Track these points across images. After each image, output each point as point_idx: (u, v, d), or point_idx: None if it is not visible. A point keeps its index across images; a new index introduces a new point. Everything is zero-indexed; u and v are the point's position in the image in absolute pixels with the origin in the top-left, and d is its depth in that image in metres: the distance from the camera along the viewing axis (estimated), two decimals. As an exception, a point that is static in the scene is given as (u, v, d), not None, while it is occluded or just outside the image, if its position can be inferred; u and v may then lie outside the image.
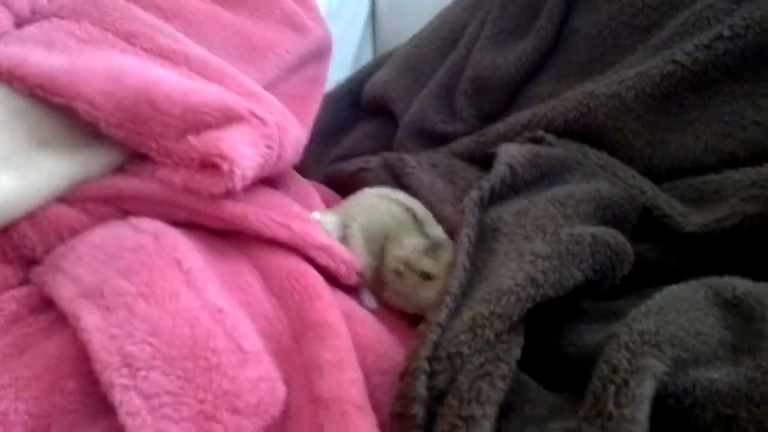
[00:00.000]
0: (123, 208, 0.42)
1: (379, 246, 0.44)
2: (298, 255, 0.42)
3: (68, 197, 0.42)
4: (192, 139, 0.40)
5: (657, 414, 0.29)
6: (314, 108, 0.56)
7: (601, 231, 0.42)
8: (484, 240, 0.42)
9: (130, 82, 0.40)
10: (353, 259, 0.43)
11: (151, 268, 0.36)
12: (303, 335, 0.38)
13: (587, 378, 0.32)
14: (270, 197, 0.44)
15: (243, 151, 0.40)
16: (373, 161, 0.59)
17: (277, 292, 0.40)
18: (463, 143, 0.63)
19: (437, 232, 0.45)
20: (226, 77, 0.44)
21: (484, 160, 0.60)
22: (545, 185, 0.48)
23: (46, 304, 0.38)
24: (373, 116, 0.76)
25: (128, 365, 0.32)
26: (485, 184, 0.45)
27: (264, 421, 0.33)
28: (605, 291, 0.42)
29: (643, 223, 0.48)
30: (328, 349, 0.36)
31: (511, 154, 0.48)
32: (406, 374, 0.33)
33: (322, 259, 0.42)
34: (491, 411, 0.30)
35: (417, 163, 0.57)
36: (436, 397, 0.32)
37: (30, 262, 0.41)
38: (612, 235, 0.42)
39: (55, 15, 0.45)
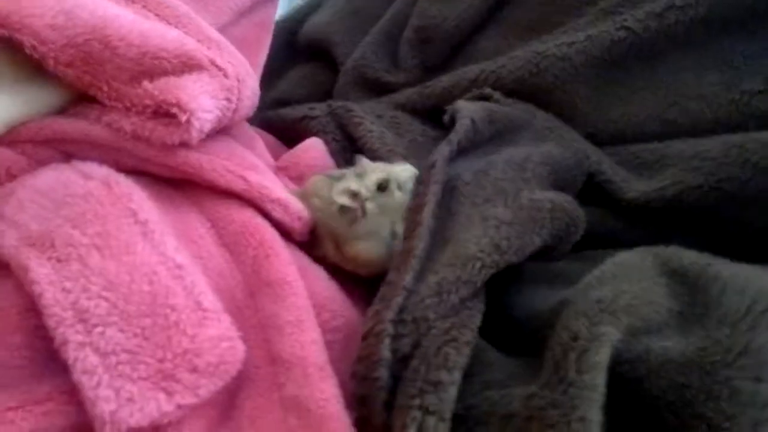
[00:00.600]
0: (65, 150, 0.40)
1: None
2: (253, 208, 0.41)
3: (5, 138, 0.39)
4: (148, 85, 0.38)
5: (611, 381, 0.31)
6: (264, 55, 0.54)
7: (558, 197, 0.43)
8: (442, 199, 0.42)
9: (84, 18, 0.37)
10: (307, 214, 0.42)
11: (105, 218, 0.34)
12: (259, 291, 0.37)
13: (542, 343, 0.33)
14: (224, 146, 0.42)
15: (202, 103, 0.38)
16: (319, 108, 0.58)
17: (230, 246, 0.39)
18: (407, 94, 0.62)
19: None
20: (184, 20, 0.42)
21: (427, 114, 0.60)
22: (499, 144, 0.48)
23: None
24: (310, 59, 0.74)
25: (83, 321, 0.31)
26: (453, 138, 0.44)
27: (223, 381, 0.33)
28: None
29: (586, 187, 0.49)
30: (288, 307, 0.36)
31: (471, 109, 0.48)
32: (370, 336, 0.33)
33: (277, 213, 0.41)
34: (458, 376, 0.31)
35: (363, 113, 0.56)
36: (400, 360, 0.33)
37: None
38: (568, 201, 0.43)
39: None
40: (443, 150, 0.43)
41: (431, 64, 0.64)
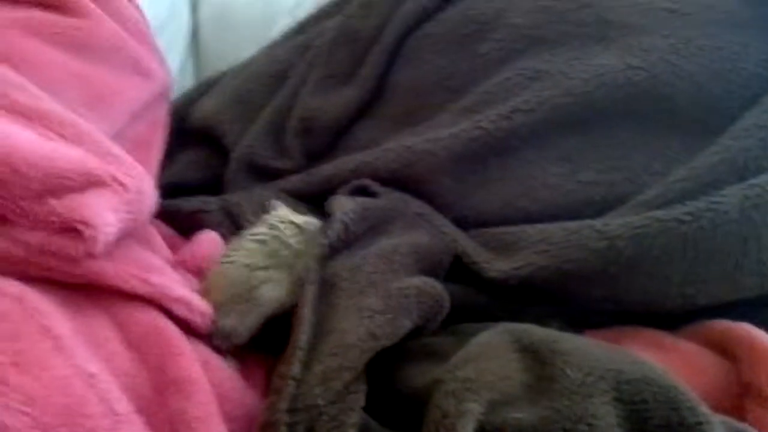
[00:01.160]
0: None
1: None
2: (157, 308, 0.44)
3: None
4: (53, 203, 0.41)
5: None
6: (159, 152, 0.57)
7: (423, 282, 0.49)
8: (324, 294, 0.48)
9: None
10: (209, 310, 0.46)
11: (19, 336, 0.37)
12: (166, 389, 0.41)
13: (420, 416, 0.39)
14: (126, 251, 0.46)
15: (106, 218, 0.41)
16: (213, 203, 0.62)
17: (137, 347, 0.42)
18: (292, 181, 0.68)
19: None
20: (85, 138, 0.45)
21: (312, 198, 0.65)
22: (373, 237, 0.55)
23: None
24: (199, 144, 0.78)
25: (5, 436, 0.34)
26: (324, 242, 0.50)
27: (138, 479, 0.36)
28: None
29: (454, 267, 0.56)
30: (194, 404, 0.39)
31: (344, 210, 0.54)
32: (266, 426, 0.38)
33: (180, 311, 0.45)
34: (347, 457, 0.36)
35: (252, 211, 0.60)
36: (296, 447, 0.38)
37: None
38: (432, 285, 0.49)
39: None
40: (316, 252, 0.49)
41: (314, 152, 0.71)
